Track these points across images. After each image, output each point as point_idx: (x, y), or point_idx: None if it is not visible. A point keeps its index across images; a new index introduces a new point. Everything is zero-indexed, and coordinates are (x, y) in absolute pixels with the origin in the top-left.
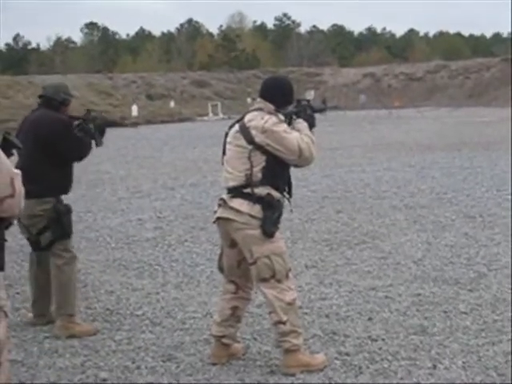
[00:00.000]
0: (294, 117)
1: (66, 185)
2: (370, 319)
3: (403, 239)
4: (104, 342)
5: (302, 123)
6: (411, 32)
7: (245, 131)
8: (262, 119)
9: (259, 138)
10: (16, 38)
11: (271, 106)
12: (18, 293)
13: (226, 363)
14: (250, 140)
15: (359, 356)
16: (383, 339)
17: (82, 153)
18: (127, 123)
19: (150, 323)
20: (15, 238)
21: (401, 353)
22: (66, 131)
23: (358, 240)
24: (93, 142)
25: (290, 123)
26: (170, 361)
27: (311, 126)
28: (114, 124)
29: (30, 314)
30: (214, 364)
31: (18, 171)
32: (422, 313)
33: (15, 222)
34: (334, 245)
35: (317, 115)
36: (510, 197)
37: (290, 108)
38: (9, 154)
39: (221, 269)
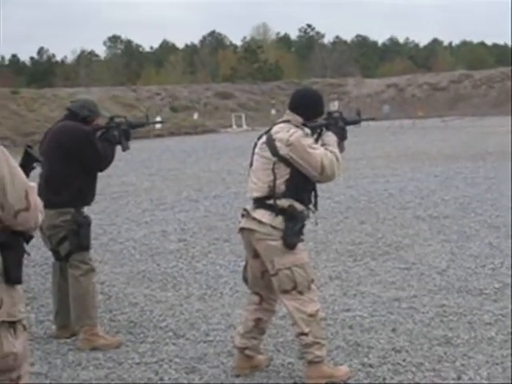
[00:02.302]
0: (324, 129)
1: (87, 196)
2: (393, 330)
3: (427, 250)
4: (128, 354)
5: (330, 136)
6: (435, 42)
7: (270, 143)
8: (288, 132)
9: (283, 151)
10: (40, 51)
11: (299, 119)
12: (42, 305)
13: (249, 375)
14: (274, 152)
15: (383, 367)
16: (407, 350)
17: (103, 163)
18: (151, 134)
19: (174, 335)
20: (39, 250)
21: (425, 364)
22: (88, 141)
23: (382, 251)
24: (119, 148)
25: (319, 136)
26: (193, 373)
27: (342, 138)
28: (140, 125)
29: (54, 327)
30: (237, 376)
31: (33, 184)
32: (447, 324)
33: (39, 233)
34: (358, 256)
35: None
36: None
37: (320, 120)
38: (30, 168)
39: (245, 280)
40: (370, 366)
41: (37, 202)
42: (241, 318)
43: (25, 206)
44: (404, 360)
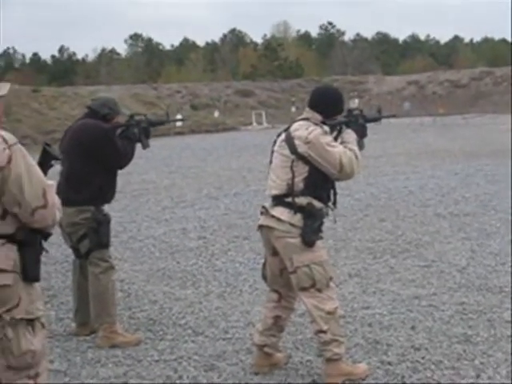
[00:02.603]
0: (344, 127)
1: (107, 194)
2: (413, 328)
3: (447, 247)
4: (147, 351)
5: (350, 134)
6: (456, 39)
7: (289, 141)
8: (307, 130)
9: (302, 149)
10: (61, 49)
11: (318, 117)
12: (62, 303)
13: (268, 372)
14: (293, 150)
15: (402, 365)
16: (426, 348)
17: (123, 161)
18: (171, 132)
19: (193, 333)
20: (60, 247)
21: (444, 362)
22: (106, 138)
23: (402, 248)
24: (139, 145)
25: (339, 133)
26: (211, 370)
27: (362, 136)
28: (160, 123)
29: (74, 324)
30: (256, 373)
31: (51, 182)
32: (466, 321)
33: (59, 230)
34: (378, 253)
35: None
36: None
37: (340, 118)
38: (48, 166)
39: (264, 277)
40: (389, 363)
41: (54, 199)
42: (260, 315)
43: (42, 204)
44: (423, 358)
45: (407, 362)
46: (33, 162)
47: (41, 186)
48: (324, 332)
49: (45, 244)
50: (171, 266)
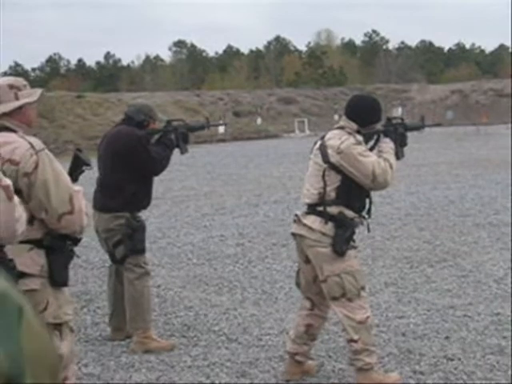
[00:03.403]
0: (382, 136)
1: (142, 201)
2: (447, 338)
3: (485, 257)
4: (180, 357)
5: (387, 143)
6: (501, 47)
7: (322, 149)
8: (340, 139)
9: (334, 158)
10: (106, 56)
11: (354, 126)
12: (98, 307)
13: (299, 380)
14: (325, 159)
15: (434, 375)
16: (459, 358)
17: (157, 167)
18: (213, 139)
19: (227, 339)
20: (98, 252)
21: (476, 373)
22: (141, 146)
23: (439, 258)
24: (177, 151)
25: (376, 142)
26: (243, 377)
27: (402, 144)
28: (199, 128)
29: (109, 329)
30: (287, 381)
31: (78, 188)
32: (501, 332)
33: (97, 235)
34: (415, 263)
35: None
36: None
37: (378, 126)
38: (79, 172)
39: (298, 284)
40: (421, 373)
41: (82, 205)
42: (293, 322)
43: (68, 210)
44: (456, 368)
45: (439, 372)
46: (60, 167)
47: (67, 192)
48: (355, 341)
49: (83, 249)
50: (208, 272)
